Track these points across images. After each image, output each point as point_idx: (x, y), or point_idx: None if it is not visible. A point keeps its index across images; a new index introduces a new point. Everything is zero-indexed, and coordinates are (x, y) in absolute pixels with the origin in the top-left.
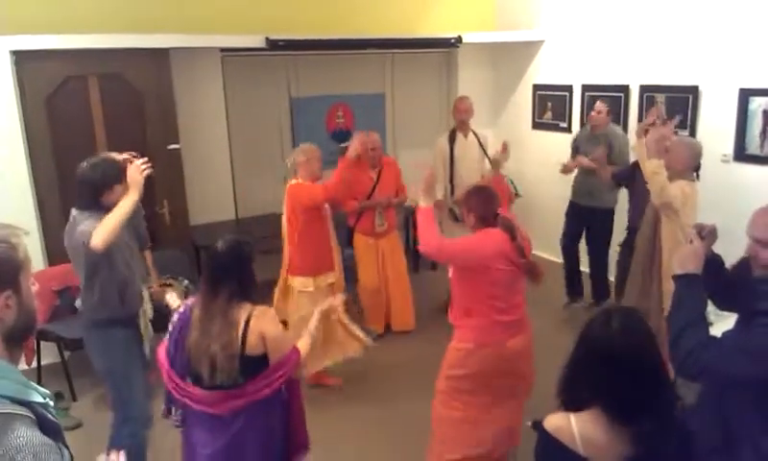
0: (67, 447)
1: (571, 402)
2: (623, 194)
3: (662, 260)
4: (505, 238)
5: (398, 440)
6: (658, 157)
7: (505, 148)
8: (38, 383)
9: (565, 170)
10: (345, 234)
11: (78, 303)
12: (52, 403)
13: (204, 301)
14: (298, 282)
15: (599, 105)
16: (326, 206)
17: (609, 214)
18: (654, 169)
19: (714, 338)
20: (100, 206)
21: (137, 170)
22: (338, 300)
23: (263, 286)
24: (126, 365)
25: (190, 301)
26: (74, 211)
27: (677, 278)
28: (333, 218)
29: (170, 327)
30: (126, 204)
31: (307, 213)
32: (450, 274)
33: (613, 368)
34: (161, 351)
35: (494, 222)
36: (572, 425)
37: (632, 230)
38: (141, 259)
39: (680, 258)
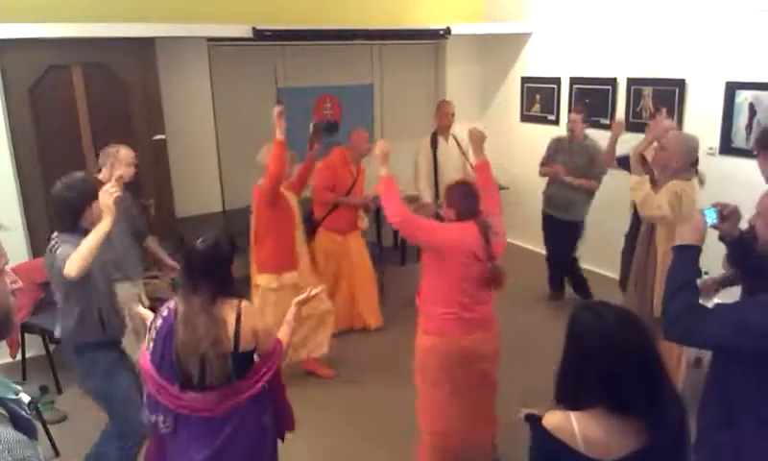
0: (52, 440)
1: (570, 402)
2: (594, 205)
3: (657, 263)
4: (477, 235)
5: (372, 426)
6: (639, 172)
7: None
8: (23, 376)
9: (545, 174)
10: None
11: (57, 330)
12: (25, 400)
13: (184, 297)
14: (263, 280)
15: (573, 115)
16: (293, 204)
17: (581, 226)
18: (632, 185)
19: (703, 306)
20: (79, 228)
21: (107, 195)
22: (318, 288)
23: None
24: (113, 387)
25: (171, 303)
26: (54, 234)
27: (675, 248)
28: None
29: (152, 334)
30: (100, 229)
31: (272, 210)
32: (422, 259)
33: (615, 362)
34: (144, 360)
35: (472, 218)
36: (573, 424)
37: (635, 219)
38: (141, 252)
39: (681, 231)
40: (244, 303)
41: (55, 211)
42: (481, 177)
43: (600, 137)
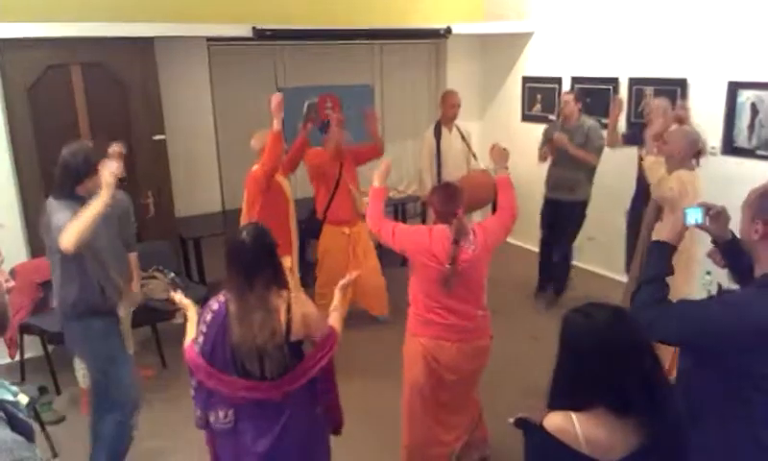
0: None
1: (568, 404)
2: (597, 186)
3: None
4: (447, 239)
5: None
6: (655, 153)
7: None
8: (22, 377)
9: (543, 157)
10: (310, 228)
11: (54, 301)
12: (24, 402)
13: (239, 295)
14: None
15: (566, 95)
16: (285, 188)
17: (584, 206)
18: (648, 165)
19: (669, 302)
20: (76, 196)
21: (109, 172)
22: (354, 274)
23: None
24: (109, 350)
25: (222, 297)
26: (50, 199)
27: (652, 242)
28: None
29: (203, 328)
30: (97, 204)
31: (265, 195)
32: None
33: (608, 362)
34: (191, 353)
35: (450, 221)
36: (576, 426)
37: (637, 195)
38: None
39: (658, 227)
40: (292, 292)
41: (56, 175)
42: (501, 194)
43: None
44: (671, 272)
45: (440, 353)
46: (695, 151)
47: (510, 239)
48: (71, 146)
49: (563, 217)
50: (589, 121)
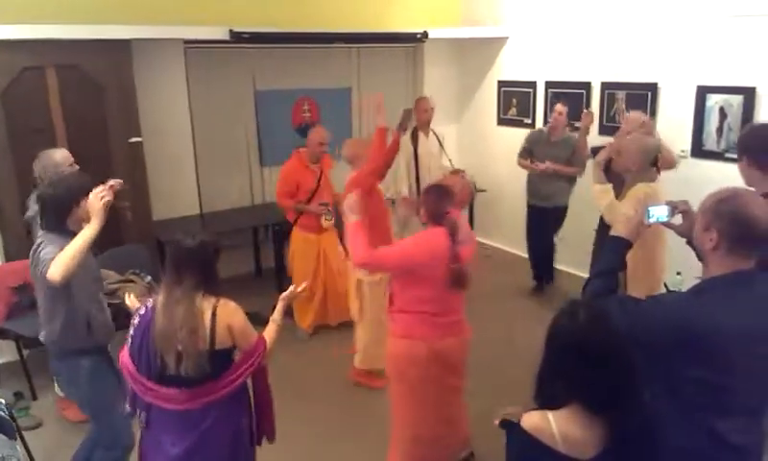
0: (27, 447)
1: (548, 401)
2: (576, 192)
3: (627, 268)
4: (445, 240)
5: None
6: (600, 181)
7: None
8: None
9: (526, 167)
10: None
11: (41, 335)
12: (2, 401)
13: (167, 288)
14: (362, 274)
15: (560, 106)
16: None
17: (565, 210)
18: (596, 194)
19: (616, 297)
20: (65, 229)
21: (96, 198)
22: (300, 287)
23: (228, 282)
24: (99, 394)
25: (150, 301)
26: (40, 233)
27: (609, 236)
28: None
29: (131, 330)
30: (86, 233)
31: (366, 200)
32: None
33: (585, 361)
34: (124, 354)
35: (443, 220)
36: (551, 424)
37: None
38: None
39: (618, 224)
40: (221, 300)
41: (41, 212)
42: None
43: None
44: (622, 267)
45: (448, 351)
46: (652, 159)
47: (487, 241)
48: (51, 180)
49: (546, 221)
50: (575, 136)
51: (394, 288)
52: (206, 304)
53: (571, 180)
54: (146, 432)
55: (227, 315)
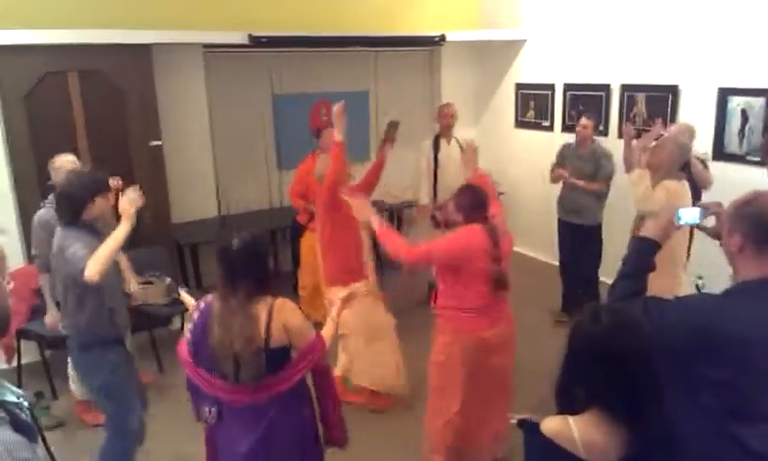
0: (48, 447)
1: (568, 406)
2: (609, 209)
3: None
4: (485, 237)
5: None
6: (640, 166)
7: (470, 152)
8: (19, 382)
9: (554, 180)
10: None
11: (63, 327)
12: (26, 403)
13: (222, 297)
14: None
15: (584, 120)
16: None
17: (596, 230)
18: (633, 180)
19: (642, 296)
20: (82, 224)
21: (128, 201)
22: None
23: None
24: (118, 380)
25: (209, 297)
26: (58, 228)
27: (638, 237)
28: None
29: (190, 326)
30: (119, 234)
31: (332, 216)
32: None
33: (607, 366)
34: (182, 350)
35: (479, 218)
36: (572, 429)
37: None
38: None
39: (647, 224)
40: (278, 299)
41: (58, 206)
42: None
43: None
44: (652, 268)
45: (497, 338)
46: (684, 160)
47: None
48: (69, 174)
49: (577, 241)
50: (602, 148)
51: (439, 285)
52: (262, 306)
53: (599, 198)
54: (217, 426)
55: (283, 315)
